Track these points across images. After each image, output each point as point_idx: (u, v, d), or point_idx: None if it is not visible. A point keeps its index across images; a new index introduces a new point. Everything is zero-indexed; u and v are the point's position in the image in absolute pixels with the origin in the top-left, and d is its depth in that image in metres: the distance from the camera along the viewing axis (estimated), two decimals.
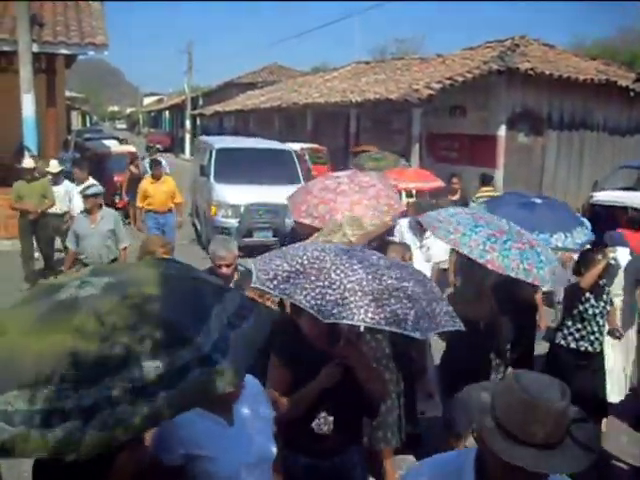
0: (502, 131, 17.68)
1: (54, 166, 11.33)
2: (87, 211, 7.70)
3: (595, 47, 36.32)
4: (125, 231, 8.06)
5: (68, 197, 10.91)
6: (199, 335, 1.76)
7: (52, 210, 10.70)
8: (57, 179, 11.21)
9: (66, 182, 11.19)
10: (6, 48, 13.02)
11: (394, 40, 57.86)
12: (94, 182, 10.37)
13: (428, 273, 7.03)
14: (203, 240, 13.80)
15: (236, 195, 13.01)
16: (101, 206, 7.74)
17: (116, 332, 1.68)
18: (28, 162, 11.15)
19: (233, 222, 12.94)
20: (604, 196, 11.75)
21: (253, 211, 12.98)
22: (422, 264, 7.29)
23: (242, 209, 12.93)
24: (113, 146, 21.73)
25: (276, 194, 12.54)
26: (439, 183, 10.70)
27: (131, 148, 19.66)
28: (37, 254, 11.10)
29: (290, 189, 12.89)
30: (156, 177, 11.59)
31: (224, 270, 4.75)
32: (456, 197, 10.96)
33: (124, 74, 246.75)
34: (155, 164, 12.02)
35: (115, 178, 16.67)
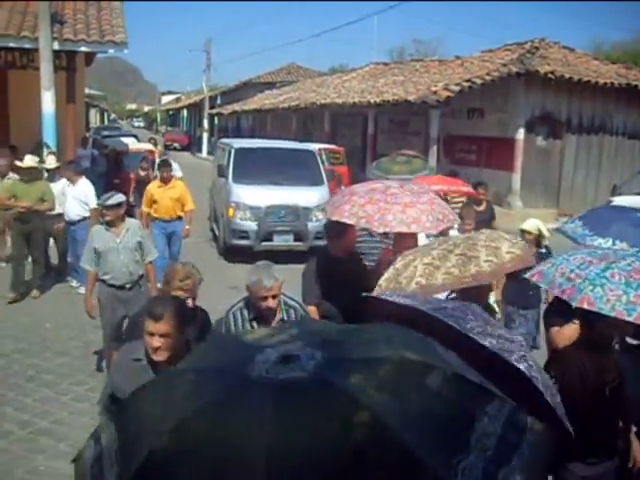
0: (520, 134, 17.59)
1: (51, 162, 10.47)
2: (108, 224, 6.48)
3: (615, 50, 36.01)
4: (150, 241, 7.10)
5: (64, 197, 9.95)
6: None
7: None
8: (53, 176, 10.38)
9: (63, 180, 10.22)
10: (27, 46, 13.10)
11: (412, 41, 57.82)
12: (87, 182, 10.03)
13: None
14: (220, 243, 13.27)
15: (255, 196, 12.36)
16: (124, 217, 6.62)
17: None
18: (51, 160, 10.69)
19: (252, 225, 12.31)
20: (623, 201, 11.63)
21: (273, 213, 12.32)
22: None
23: (262, 211, 12.29)
24: (131, 144, 21.81)
25: (298, 196, 12.33)
26: (469, 188, 9.83)
27: (149, 146, 19.69)
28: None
29: (313, 191, 12.62)
30: (164, 181, 10.20)
31: (270, 303, 4.02)
32: (482, 208, 10.00)
33: (143, 72, 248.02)
34: (163, 166, 10.53)
35: (132, 175, 16.72)
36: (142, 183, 13.66)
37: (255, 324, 4.12)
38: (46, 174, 10.45)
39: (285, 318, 4.18)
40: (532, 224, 6.87)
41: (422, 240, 6.02)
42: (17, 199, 9.42)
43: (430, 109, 17.54)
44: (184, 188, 10.29)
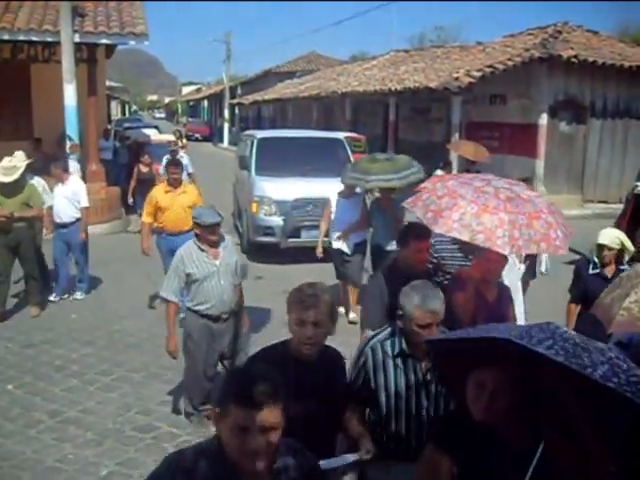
0: (544, 120, 17.39)
1: (19, 158, 8.34)
2: (200, 240, 5.41)
3: None
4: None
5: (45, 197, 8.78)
6: None
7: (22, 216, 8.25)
8: (26, 174, 8.57)
9: (37, 179, 8.92)
10: (49, 39, 13.21)
11: (433, 28, 57.36)
12: (78, 180, 9.25)
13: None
14: (244, 241, 12.30)
15: (281, 190, 11.43)
16: (222, 235, 5.53)
17: None
18: (20, 158, 8.35)
19: (277, 220, 11.38)
20: None
21: (300, 207, 11.31)
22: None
23: (288, 205, 11.33)
24: (153, 135, 21.93)
25: (326, 188, 10.46)
26: None
27: (171, 137, 19.78)
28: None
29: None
30: (173, 184, 8.07)
31: (434, 331, 3.17)
32: None
33: (163, 64, 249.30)
34: (172, 166, 8.33)
35: (155, 166, 16.81)
36: (145, 182, 12.83)
37: (400, 362, 3.29)
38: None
39: None
40: (612, 237, 5.47)
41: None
42: None
43: (452, 96, 17.40)
44: (197, 193, 8.25)
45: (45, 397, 6.05)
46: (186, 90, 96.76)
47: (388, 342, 3.34)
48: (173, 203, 7.92)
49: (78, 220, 8.95)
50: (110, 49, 17.17)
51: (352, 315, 8.25)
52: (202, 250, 5.34)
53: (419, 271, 4.37)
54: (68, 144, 13.26)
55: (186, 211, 7.70)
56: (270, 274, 10.57)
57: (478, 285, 4.27)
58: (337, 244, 8.38)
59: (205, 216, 5.34)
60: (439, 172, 12.92)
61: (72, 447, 5.16)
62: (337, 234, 8.35)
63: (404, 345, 3.27)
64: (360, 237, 8.48)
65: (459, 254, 5.19)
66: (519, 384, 2.31)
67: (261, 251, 11.57)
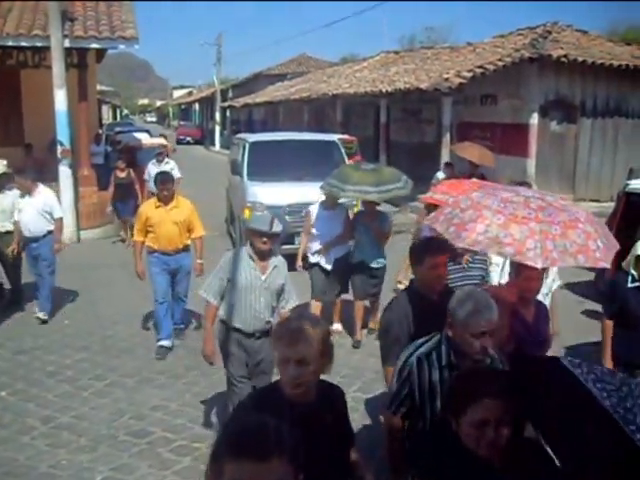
0: (534, 119, 17.44)
1: None
2: (257, 254, 4.90)
3: (630, 32, 35.57)
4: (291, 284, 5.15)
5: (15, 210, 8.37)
6: None
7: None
8: (2, 183, 8.63)
9: (15, 191, 8.46)
10: (39, 44, 13.17)
11: (423, 29, 57.45)
12: (48, 191, 8.53)
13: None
14: (237, 247, 12.32)
15: (274, 195, 10.98)
16: (271, 249, 4.98)
17: None
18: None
19: None
20: (639, 184, 11.51)
21: (294, 213, 10.74)
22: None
23: (281, 211, 10.15)
24: (144, 139, 21.89)
25: (320, 193, 10.77)
26: None
27: (162, 140, 19.74)
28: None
29: None
30: (164, 200, 7.31)
31: (487, 342, 3.03)
32: None
33: (154, 67, 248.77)
34: (162, 182, 7.37)
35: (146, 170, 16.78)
36: (123, 188, 12.83)
37: (447, 373, 3.09)
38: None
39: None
40: None
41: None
42: None
43: (442, 97, 17.42)
44: (191, 208, 7.49)
45: (38, 403, 6.03)
46: (177, 93, 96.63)
47: (434, 353, 3.15)
48: (164, 219, 7.23)
49: (50, 233, 8.35)
50: (100, 53, 17.14)
51: (336, 325, 8.06)
52: (252, 259, 4.88)
53: (437, 291, 4.05)
54: (59, 149, 13.24)
55: (179, 227, 7.28)
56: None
57: (515, 306, 3.94)
58: (315, 258, 7.83)
59: (259, 222, 4.89)
60: (441, 174, 12.74)
61: (66, 453, 5.15)
62: (316, 247, 7.81)
63: (452, 356, 3.10)
64: (342, 251, 7.90)
65: (451, 265, 4.96)
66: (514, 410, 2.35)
67: None
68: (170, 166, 12.89)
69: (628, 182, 10.85)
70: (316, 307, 7.85)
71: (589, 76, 17.74)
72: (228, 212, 14.05)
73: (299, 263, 7.92)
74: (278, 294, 4.99)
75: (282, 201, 10.83)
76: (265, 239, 4.82)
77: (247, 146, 12.43)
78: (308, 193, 10.51)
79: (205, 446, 5.27)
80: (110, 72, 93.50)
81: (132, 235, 9.34)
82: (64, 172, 13.31)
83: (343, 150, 12.86)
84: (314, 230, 7.81)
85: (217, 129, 46.71)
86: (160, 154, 13.57)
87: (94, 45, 13.76)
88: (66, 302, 9.21)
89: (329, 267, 7.82)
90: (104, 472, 4.88)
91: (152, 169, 12.76)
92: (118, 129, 29.47)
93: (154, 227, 7.25)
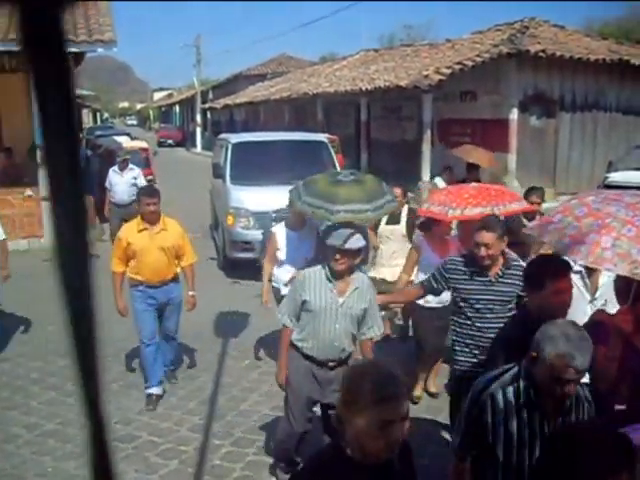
0: (514, 115, 17.56)
1: None
2: (334, 274, 4.32)
3: (607, 27, 35.91)
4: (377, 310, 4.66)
5: None
6: None
7: None
8: None
9: None
10: (16, 48, 13.07)
11: (402, 27, 57.62)
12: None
13: None
14: (220, 257, 11.51)
15: (259, 200, 10.28)
16: (350, 268, 4.38)
17: None
18: None
19: (256, 234, 9.81)
20: (619, 177, 11.65)
21: (281, 219, 9.68)
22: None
23: (268, 217, 9.56)
24: (124, 142, 21.78)
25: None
26: (522, 202, 6.15)
27: (143, 144, 19.69)
28: None
29: None
30: (149, 219, 6.10)
31: (572, 389, 2.58)
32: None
33: (134, 70, 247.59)
34: (144, 196, 6.14)
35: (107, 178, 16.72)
36: None
37: (525, 414, 2.67)
38: None
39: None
40: None
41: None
42: None
43: (422, 94, 17.49)
44: (180, 231, 6.30)
45: (22, 411, 5.98)
46: (157, 96, 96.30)
47: (511, 388, 2.70)
48: (150, 245, 6.02)
49: None
50: (79, 57, 17.02)
51: None
52: (329, 280, 4.32)
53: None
54: (39, 154, 13.14)
55: (167, 255, 6.11)
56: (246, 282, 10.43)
57: (630, 337, 3.42)
58: (286, 290, 6.13)
59: (332, 236, 4.23)
60: (439, 180, 11.42)
61: (52, 460, 5.11)
62: (287, 276, 6.29)
63: (532, 394, 2.66)
64: None
65: (476, 277, 4.43)
66: None
67: (239, 268, 10.59)
68: (134, 174, 12.10)
69: (607, 175, 10.96)
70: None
71: (567, 71, 17.91)
72: (212, 217, 13.30)
73: (265, 298, 6.47)
74: (359, 320, 4.40)
75: (268, 207, 9.71)
76: (339, 256, 4.21)
77: (230, 147, 11.65)
78: None
79: (192, 449, 5.27)
80: (90, 76, 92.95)
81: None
82: (45, 177, 13.21)
83: (332, 151, 12.14)
84: (282, 256, 6.41)
85: (198, 131, 46.59)
86: (123, 161, 12.36)
87: (71, 49, 13.66)
88: (49, 308, 9.14)
89: None
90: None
91: (114, 177, 12.08)
92: (98, 132, 29.28)
93: (137, 255, 6.03)
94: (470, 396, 2.84)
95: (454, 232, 6.34)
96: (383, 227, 7.25)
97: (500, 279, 4.39)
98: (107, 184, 12.16)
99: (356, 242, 4.23)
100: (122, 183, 11.95)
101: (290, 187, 9.29)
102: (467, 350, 4.46)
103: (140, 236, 6.04)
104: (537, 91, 17.91)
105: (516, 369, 2.75)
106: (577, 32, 21.40)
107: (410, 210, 7.33)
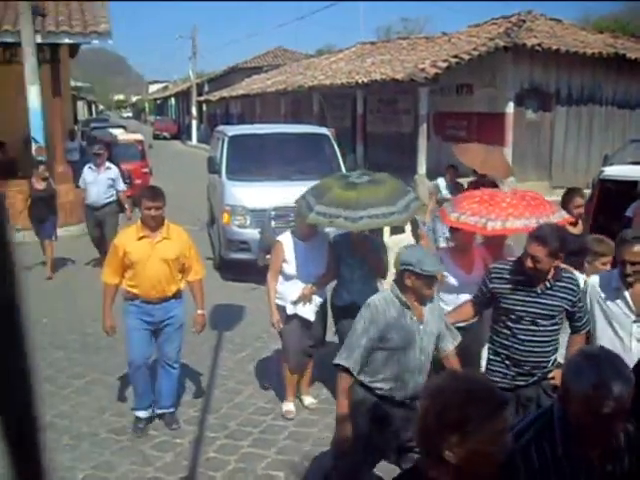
0: (510, 108, 17.55)
1: None
2: (406, 292, 3.74)
3: (603, 20, 35.90)
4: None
5: None
6: None
7: None
8: None
9: None
10: (9, 40, 13.00)
11: (399, 20, 57.44)
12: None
13: None
14: (216, 257, 10.86)
15: (257, 197, 9.75)
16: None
17: None
18: None
19: (254, 233, 9.29)
20: (614, 171, 11.63)
21: (280, 218, 9.25)
22: None
23: (266, 215, 9.29)
24: (120, 134, 21.74)
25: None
26: (561, 211, 5.38)
27: (138, 136, 19.64)
28: None
29: None
30: (150, 225, 5.25)
31: (617, 426, 2.16)
32: (577, 230, 6.13)
33: (129, 62, 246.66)
34: (146, 198, 5.20)
35: (123, 166, 16.65)
36: (41, 203, 10.26)
37: (566, 464, 2.18)
38: None
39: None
40: None
41: None
42: None
43: (418, 87, 17.45)
44: (186, 239, 5.44)
45: None
46: (153, 88, 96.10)
47: (546, 437, 2.22)
48: (150, 255, 5.20)
49: None
50: (74, 49, 16.98)
51: (308, 400, 5.97)
52: (407, 307, 3.73)
53: None
54: (34, 147, 13.09)
55: (170, 267, 5.27)
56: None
57: None
58: (294, 309, 5.61)
59: (428, 262, 3.67)
60: (441, 181, 10.20)
61: (47, 452, 5.10)
62: (293, 293, 5.57)
63: (570, 443, 2.19)
64: (322, 294, 5.83)
65: (521, 287, 3.98)
66: None
67: (235, 269, 10.07)
68: (110, 175, 10.65)
69: (603, 169, 10.97)
70: (290, 381, 5.84)
71: (563, 64, 17.90)
72: (209, 214, 12.61)
73: (276, 317, 5.63)
74: (436, 341, 3.93)
75: (267, 204, 9.47)
76: (432, 282, 3.75)
77: (226, 140, 10.92)
78: (297, 194, 8.59)
79: (187, 441, 5.28)
80: (85, 68, 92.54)
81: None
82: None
83: (335, 144, 11.23)
84: (289, 269, 5.62)
85: (194, 123, 46.47)
86: (99, 155, 10.72)
87: (66, 40, 13.60)
88: (44, 300, 9.14)
89: (311, 317, 5.65)
90: (86, 470, 4.86)
91: (88, 175, 10.60)
92: (94, 125, 29.25)
93: (135, 266, 5.23)
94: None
95: (479, 239, 5.56)
96: (388, 238, 6.52)
97: (547, 291, 3.94)
98: (81, 182, 10.82)
99: (437, 265, 3.82)
100: (97, 182, 10.50)
101: (290, 183, 9.21)
102: (499, 360, 4.09)
103: (139, 244, 5.22)
104: (533, 85, 17.90)
105: (548, 414, 2.29)
106: (573, 26, 21.39)
107: (413, 222, 6.54)
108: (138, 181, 16.20)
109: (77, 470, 4.86)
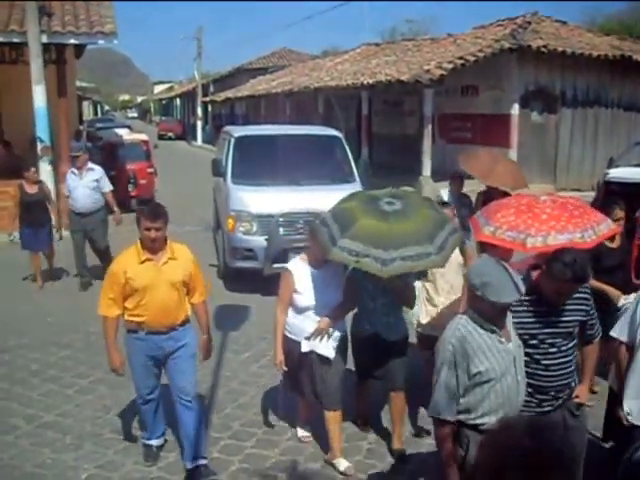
0: (515, 110, 17.53)
1: None
2: (485, 317, 3.31)
3: (609, 22, 35.81)
4: None
5: None
6: None
7: None
8: None
9: None
10: (16, 40, 13.02)
11: (404, 21, 57.46)
12: None
13: None
14: (220, 265, 10.33)
15: (263, 202, 9.26)
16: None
17: None
18: None
19: (260, 240, 9.06)
20: (619, 173, 11.61)
21: (288, 224, 8.99)
22: None
23: (273, 222, 9.02)
24: (125, 135, 21.77)
25: (322, 199, 7.24)
26: (608, 221, 4.74)
27: (143, 136, 19.65)
28: None
29: (342, 191, 6.48)
30: (151, 247, 4.61)
31: None
32: (615, 244, 5.87)
33: (134, 62, 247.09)
34: (146, 219, 4.53)
35: (128, 167, 16.69)
36: (33, 208, 9.65)
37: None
38: None
39: None
40: None
41: None
42: None
43: (423, 88, 17.43)
44: (192, 258, 4.81)
45: (22, 402, 5.98)
46: (158, 89, 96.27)
47: None
48: (156, 280, 4.57)
49: None
50: (80, 49, 16.97)
51: (344, 464, 4.90)
52: (492, 331, 3.30)
53: None
54: (39, 146, 13.11)
55: (179, 291, 4.69)
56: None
57: None
58: (309, 345, 4.83)
59: (507, 292, 3.20)
60: (444, 193, 9.31)
61: (51, 452, 5.12)
62: (308, 326, 4.82)
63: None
64: (342, 328, 5.03)
65: (543, 320, 3.65)
66: None
67: (240, 278, 9.63)
68: (94, 176, 9.76)
69: (608, 171, 10.94)
70: (304, 403, 5.31)
71: (569, 66, 17.86)
72: (214, 219, 11.96)
73: (280, 358, 4.90)
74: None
75: (274, 210, 9.10)
76: (507, 309, 3.36)
77: (232, 142, 10.31)
78: (306, 200, 8.74)
79: None
80: (91, 68, 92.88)
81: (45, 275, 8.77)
82: (44, 169, 13.19)
83: (347, 147, 10.64)
84: (302, 301, 4.85)
85: (199, 124, 46.52)
86: (77, 158, 9.90)
87: (72, 40, 13.60)
88: (49, 300, 9.16)
89: (331, 354, 4.85)
90: (89, 470, 4.86)
91: (71, 180, 9.73)
92: (99, 125, 29.31)
93: (141, 294, 4.57)
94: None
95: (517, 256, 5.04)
96: None
97: (563, 306, 3.64)
98: (65, 189, 9.94)
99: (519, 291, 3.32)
100: (81, 187, 9.63)
101: (299, 187, 9.01)
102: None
103: (143, 269, 4.56)
104: (538, 86, 17.87)
105: None
106: (579, 28, 21.36)
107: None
108: (143, 181, 16.29)
109: (80, 469, 4.87)
